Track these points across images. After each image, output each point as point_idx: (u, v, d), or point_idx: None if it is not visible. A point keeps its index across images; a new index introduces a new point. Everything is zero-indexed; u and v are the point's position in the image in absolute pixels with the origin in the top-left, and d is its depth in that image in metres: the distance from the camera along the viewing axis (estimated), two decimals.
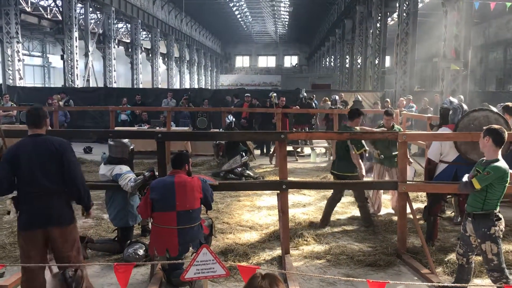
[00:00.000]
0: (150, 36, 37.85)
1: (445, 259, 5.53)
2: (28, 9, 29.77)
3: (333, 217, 7.39)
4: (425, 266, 5.27)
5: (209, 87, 54.67)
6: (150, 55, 36.60)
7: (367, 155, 7.93)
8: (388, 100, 15.27)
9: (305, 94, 15.31)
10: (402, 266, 5.47)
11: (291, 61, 71.72)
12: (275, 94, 13.83)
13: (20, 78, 20.92)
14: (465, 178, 4.45)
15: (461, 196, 5.96)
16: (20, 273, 4.89)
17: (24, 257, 4.04)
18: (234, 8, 51.74)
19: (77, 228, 4.23)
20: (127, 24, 35.18)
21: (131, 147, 6.09)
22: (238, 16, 55.87)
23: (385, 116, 7.74)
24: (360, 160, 6.80)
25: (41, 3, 33.31)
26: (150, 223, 5.73)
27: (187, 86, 46.99)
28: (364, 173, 6.84)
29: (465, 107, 6.28)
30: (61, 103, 14.55)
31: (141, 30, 33.79)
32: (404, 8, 18.70)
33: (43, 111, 4.14)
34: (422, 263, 5.39)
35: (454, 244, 5.92)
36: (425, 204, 6.67)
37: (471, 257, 4.53)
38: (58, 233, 3.98)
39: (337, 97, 14.45)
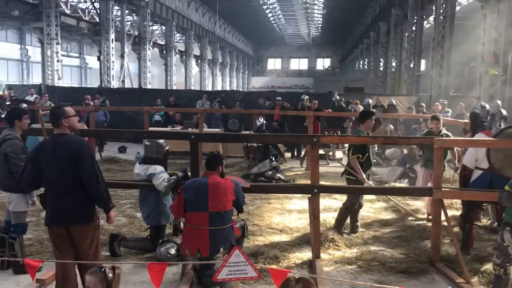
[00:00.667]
0: (184, 38, 38.35)
1: (481, 269, 5.37)
2: (68, 12, 30.66)
3: (365, 223, 7.31)
4: (460, 275, 5.15)
5: (241, 89, 54.92)
6: (184, 57, 37.07)
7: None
8: (423, 104, 14.98)
9: (337, 97, 15.17)
10: (435, 274, 5.35)
11: (323, 63, 71.28)
12: (307, 97, 13.77)
13: (59, 78, 21.53)
14: None
15: (498, 203, 5.80)
16: None
17: (56, 252, 4.21)
18: (268, 11, 51.86)
19: (97, 228, 4.27)
20: (162, 26, 35.79)
21: (166, 148, 6.19)
22: (271, 18, 55.99)
23: (433, 121, 7.71)
24: (358, 165, 6.61)
25: (80, 5, 34.24)
26: (182, 223, 5.81)
27: (219, 88, 47.37)
28: (364, 177, 6.63)
29: (504, 112, 6.11)
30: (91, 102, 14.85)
31: (175, 32, 34.27)
32: (441, 11, 18.32)
33: (60, 111, 4.17)
34: (457, 272, 5.26)
35: (490, 253, 5.75)
36: (460, 211, 6.52)
37: (509, 267, 4.39)
38: (76, 231, 4.11)
39: (370, 101, 14.24)
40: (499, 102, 11.68)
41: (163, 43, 34.64)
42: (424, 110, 13.88)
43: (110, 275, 3.19)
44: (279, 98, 15.21)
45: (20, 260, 4.80)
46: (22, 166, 4.95)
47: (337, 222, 6.80)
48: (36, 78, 34.70)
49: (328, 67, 69.46)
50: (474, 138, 6.23)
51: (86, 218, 4.14)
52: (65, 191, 4.06)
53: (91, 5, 29.15)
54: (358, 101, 15.45)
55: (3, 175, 5.08)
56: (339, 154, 14.21)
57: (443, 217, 5.58)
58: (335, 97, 15.20)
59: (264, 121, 12.52)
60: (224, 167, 5.13)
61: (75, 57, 45.44)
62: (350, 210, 6.79)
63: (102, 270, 3.21)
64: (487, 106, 7.58)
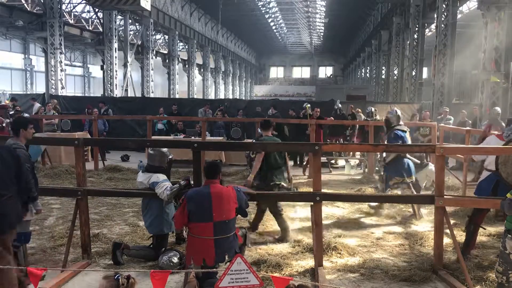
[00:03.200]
0: (186, 47, 38.54)
1: (484, 277, 5.36)
2: (71, 21, 30.86)
3: (367, 231, 7.31)
4: (463, 283, 5.13)
5: (244, 98, 55.04)
6: (187, 65, 37.22)
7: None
8: (417, 113, 14.96)
9: (340, 105, 15.16)
10: (438, 282, 5.34)
11: (325, 72, 71.48)
12: (309, 105, 13.80)
13: (62, 88, 21.66)
14: None
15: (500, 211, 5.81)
16: (62, 277, 5.08)
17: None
18: (270, 20, 52.13)
19: None
20: (164, 36, 36.00)
21: (170, 157, 6.21)
22: (274, 27, 56.24)
23: None
24: (259, 162, 6.77)
25: (83, 15, 34.49)
26: (185, 232, 5.81)
27: (221, 96, 47.51)
28: (252, 178, 6.76)
29: None
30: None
31: (178, 41, 34.44)
32: (442, 19, 18.40)
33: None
34: (460, 280, 5.25)
35: (493, 261, 5.74)
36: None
37: (511, 275, 4.38)
38: None
39: (373, 109, 14.23)
40: (498, 109, 11.68)
41: (166, 52, 34.81)
42: (421, 118, 13.89)
43: (123, 283, 3.20)
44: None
45: (23, 269, 4.82)
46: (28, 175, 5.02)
47: (281, 230, 6.88)
48: (39, 88, 34.93)
49: (330, 75, 69.62)
50: (476, 146, 6.24)
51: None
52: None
53: (95, 15, 29.37)
54: (359, 110, 15.48)
55: None
56: (341, 161, 14.25)
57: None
58: (337, 105, 15.20)
59: None
60: (222, 175, 5.14)
61: (79, 66, 45.71)
62: (279, 213, 6.91)
63: (117, 277, 3.22)
64: (399, 111, 8.22)
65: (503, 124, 11.03)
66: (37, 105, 15.93)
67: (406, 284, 5.28)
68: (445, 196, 5.55)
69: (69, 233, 5.72)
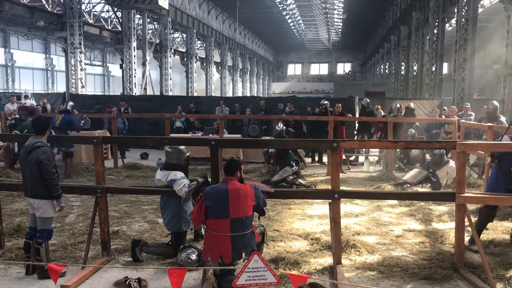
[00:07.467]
0: (204, 45, 38.70)
1: (507, 275, 5.26)
2: (91, 21, 31.26)
3: (386, 228, 7.24)
4: (485, 282, 5.04)
5: (261, 95, 55.02)
6: (205, 64, 37.38)
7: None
8: (446, 108, 14.75)
9: (367, 100, 14.75)
10: (459, 281, 5.25)
11: (344, 68, 71.04)
12: (327, 102, 13.67)
13: (82, 87, 21.94)
14: None
15: None
16: (82, 274, 5.15)
17: None
18: (287, 17, 52.01)
19: None
20: (182, 34, 36.21)
21: (187, 154, 6.25)
22: (291, 24, 56.09)
23: None
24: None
25: (102, 15, 34.88)
26: (202, 229, 5.83)
27: (239, 94, 47.61)
28: None
29: None
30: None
31: (196, 39, 34.61)
32: (463, 13, 18.09)
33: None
34: (481, 278, 5.16)
35: None
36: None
37: None
38: None
39: (399, 105, 13.95)
40: (495, 102, 11.38)
41: (184, 50, 35.02)
42: (447, 114, 13.65)
43: (135, 286, 3.21)
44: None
45: (45, 265, 4.90)
46: (54, 172, 5.12)
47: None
48: (60, 87, 35.52)
49: (349, 71, 69.12)
50: (498, 142, 6.12)
51: None
52: None
53: (114, 15, 29.68)
54: (378, 106, 15.28)
55: (33, 182, 5.19)
56: (361, 158, 14.14)
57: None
58: (364, 100, 14.80)
59: (284, 127, 12.46)
60: (242, 172, 5.15)
61: (98, 65, 46.31)
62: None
63: (128, 281, 3.22)
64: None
65: (503, 119, 10.81)
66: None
67: (426, 282, 5.21)
68: (466, 194, 5.46)
69: (89, 230, 5.80)
